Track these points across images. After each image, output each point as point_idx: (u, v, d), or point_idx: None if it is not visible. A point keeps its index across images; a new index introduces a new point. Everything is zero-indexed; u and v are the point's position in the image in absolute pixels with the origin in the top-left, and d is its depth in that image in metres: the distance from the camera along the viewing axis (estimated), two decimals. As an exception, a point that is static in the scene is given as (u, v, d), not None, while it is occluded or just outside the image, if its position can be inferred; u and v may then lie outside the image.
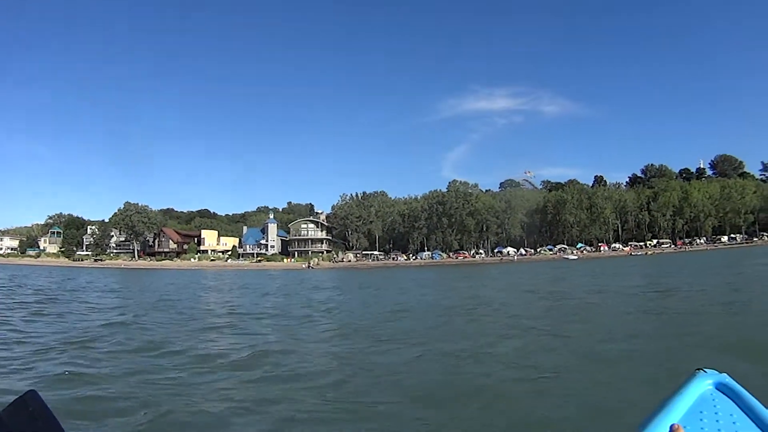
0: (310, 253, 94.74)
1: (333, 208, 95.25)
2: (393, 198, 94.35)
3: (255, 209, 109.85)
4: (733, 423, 1.39)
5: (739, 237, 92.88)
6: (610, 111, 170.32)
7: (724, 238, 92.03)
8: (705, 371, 1.60)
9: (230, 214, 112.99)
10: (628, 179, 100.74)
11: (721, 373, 1.60)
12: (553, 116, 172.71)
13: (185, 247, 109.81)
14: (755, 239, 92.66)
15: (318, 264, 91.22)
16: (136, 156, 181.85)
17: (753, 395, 1.49)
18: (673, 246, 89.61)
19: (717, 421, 1.39)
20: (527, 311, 15.56)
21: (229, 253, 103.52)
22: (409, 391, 6.39)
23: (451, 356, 8.40)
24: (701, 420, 1.40)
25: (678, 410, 1.43)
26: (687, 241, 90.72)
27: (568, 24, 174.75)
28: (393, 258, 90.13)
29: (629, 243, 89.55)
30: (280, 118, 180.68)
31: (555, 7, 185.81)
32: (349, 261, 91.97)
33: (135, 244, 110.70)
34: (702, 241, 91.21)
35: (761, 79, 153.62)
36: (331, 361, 8.55)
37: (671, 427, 1.27)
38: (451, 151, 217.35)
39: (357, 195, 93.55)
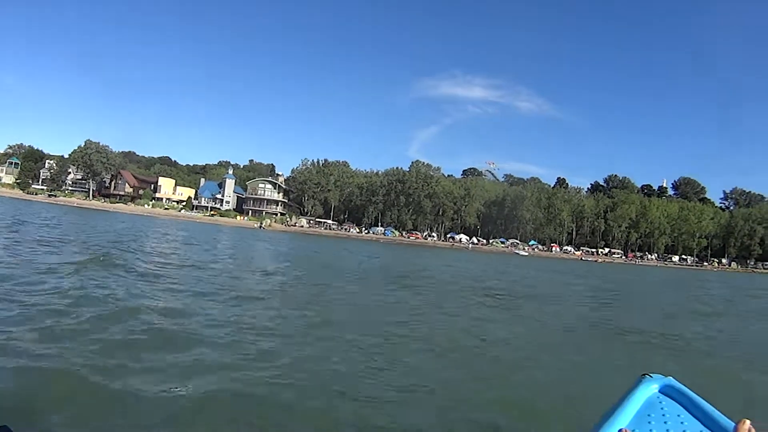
0: (264, 213, 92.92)
1: (293, 171, 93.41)
2: (354, 169, 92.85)
3: (216, 163, 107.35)
4: (681, 423, 1.39)
5: (690, 259, 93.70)
6: (585, 117, 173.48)
7: (675, 258, 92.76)
8: (651, 376, 1.58)
9: (191, 164, 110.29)
10: (589, 186, 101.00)
11: (666, 376, 1.59)
12: (526, 113, 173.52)
13: (141, 192, 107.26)
14: (705, 264, 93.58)
15: (270, 225, 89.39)
16: (104, 93, 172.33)
17: (699, 395, 1.49)
18: (624, 257, 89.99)
19: (665, 422, 1.40)
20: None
21: (184, 203, 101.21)
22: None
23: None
24: (649, 423, 1.40)
25: (625, 416, 1.42)
26: (638, 254, 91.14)
27: (558, 25, 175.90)
28: (346, 229, 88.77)
29: (581, 248, 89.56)
30: (254, 72, 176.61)
31: (548, 6, 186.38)
32: (302, 226, 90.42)
33: (91, 183, 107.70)
34: (653, 257, 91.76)
35: (734, 113, 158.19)
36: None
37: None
38: (421, 131, 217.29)
39: (318, 161, 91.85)
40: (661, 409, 1.47)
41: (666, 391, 1.54)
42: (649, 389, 1.54)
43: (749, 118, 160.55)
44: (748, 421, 1.25)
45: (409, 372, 5.85)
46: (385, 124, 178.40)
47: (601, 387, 5.49)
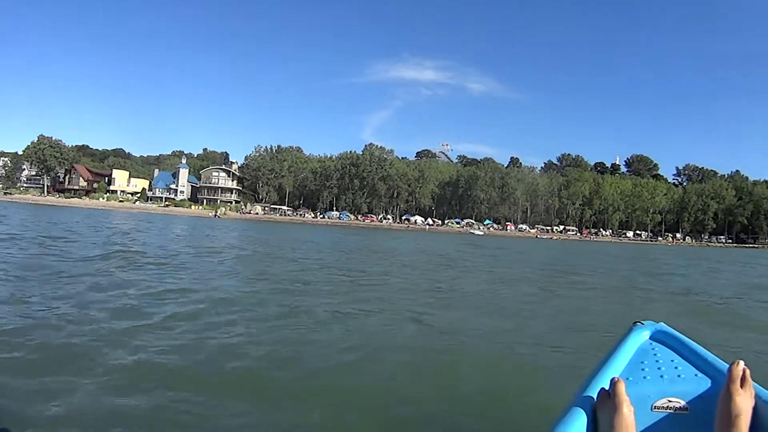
0: (219, 201, 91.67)
1: (246, 158, 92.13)
2: (308, 154, 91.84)
3: (170, 153, 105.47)
4: (675, 368, 1.41)
5: (644, 234, 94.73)
6: (536, 97, 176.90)
7: (630, 234, 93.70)
8: (642, 323, 1.61)
9: (145, 155, 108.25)
10: (543, 164, 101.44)
11: (658, 322, 1.62)
12: (478, 94, 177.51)
13: (95, 186, 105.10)
14: (659, 238, 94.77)
15: (225, 214, 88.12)
16: (56, 87, 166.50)
17: (691, 339, 1.52)
18: (578, 234, 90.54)
19: (659, 368, 1.41)
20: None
21: (138, 195, 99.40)
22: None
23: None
24: (643, 370, 1.42)
25: (619, 364, 1.45)
26: (593, 231, 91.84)
27: (505, 5, 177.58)
28: (301, 214, 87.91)
29: (536, 226, 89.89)
30: (205, 59, 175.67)
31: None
32: (257, 213, 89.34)
33: (45, 179, 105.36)
34: (608, 233, 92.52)
35: (688, 91, 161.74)
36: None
37: (611, 380, 1.28)
38: (374, 115, 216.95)
39: (271, 147, 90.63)
40: (654, 355, 1.47)
41: (658, 336, 1.56)
42: (641, 336, 1.56)
43: (699, 96, 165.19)
44: (742, 362, 1.25)
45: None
46: (338, 108, 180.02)
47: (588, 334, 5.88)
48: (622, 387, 1.25)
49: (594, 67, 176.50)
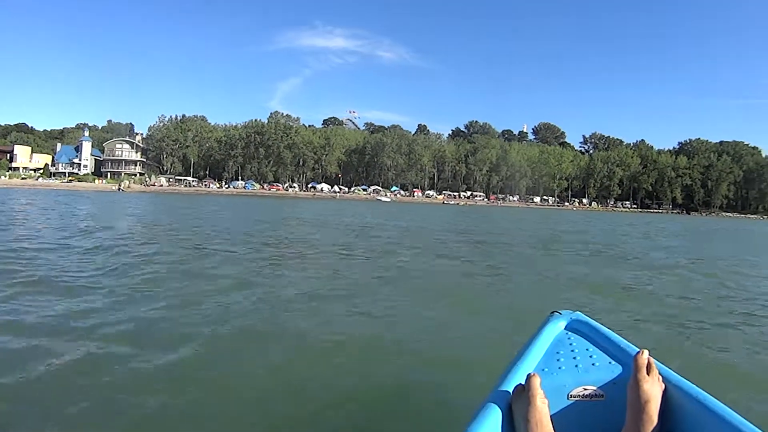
0: (123, 174, 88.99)
1: (150, 129, 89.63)
2: (213, 124, 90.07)
3: (74, 126, 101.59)
4: (590, 357, 1.44)
5: (551, 200, 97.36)
6: (445, 65, 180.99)
7: (537, 199, 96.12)
8: (560, 313, 1.63)
9: (49, 129, 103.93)
10: (451, 132, 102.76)
11: (574, 311, 1.65)
12: (388, 62, 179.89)
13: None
14: (566, 204, 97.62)
15: (129, 187, 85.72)
16: None
17: (607, 327, 1.56)
18: (486, 200, 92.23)
19: (574, 358, 1.44)
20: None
21: (42, 171, 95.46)
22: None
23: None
24: (558, 360, 1.44)
25: (535, 356, 1.46)
26: (500, 197, 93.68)
27: None
28: (206, 185, 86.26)
29: (444, 192, 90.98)
30: (106, 28, 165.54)
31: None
32: (161, 185, 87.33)
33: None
34: (515, 198, 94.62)
35: (590, 60, 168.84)
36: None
37: (528, 376, 1.29)
38: (284, 83, 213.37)
39: (175, 117, 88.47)
40: (570, 344, 1.50)
41: (574, 326, 1.59)
42: (557, 326, 1.58)
43: (604, 67, 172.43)
44: (646, 351, 1.33)
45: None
46: (248, 77, 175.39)
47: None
48: (535, 381, 1.25)
49: (501, 37, 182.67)
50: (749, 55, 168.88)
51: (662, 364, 1.36)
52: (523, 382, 1.30)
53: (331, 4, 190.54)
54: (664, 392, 1.28)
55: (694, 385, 1.28)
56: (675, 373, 1.33)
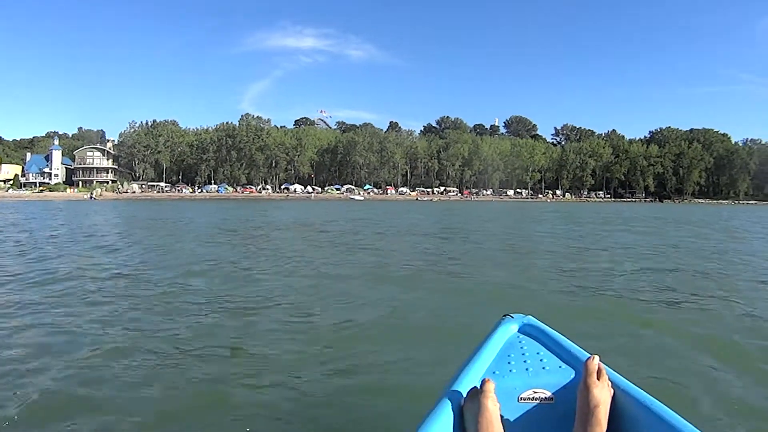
0: (94, 183, 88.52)
1: (121, 135, 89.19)
2: (184, 128, 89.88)
3: (45, 134, 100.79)
4: (541, 360, 1.45)
5: (524, 192, 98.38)
6: (415, 62, 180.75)
7: (510, 192, 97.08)
8: (512, 316, 1.64)
9: (18, 139, 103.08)
10: (422, 128, 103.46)
11: (526, 315, 1.66)
12: (358, 61, 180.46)
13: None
14: (540, 196, 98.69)
15: (101, 195, 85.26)
16: None
17: (557, 331, 1.57)
18: (459, 195, 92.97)
19: (525, 361, 1.45)
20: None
21: (11, 182, 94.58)
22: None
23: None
24: (509, 363, 1.45)
25: (486, 358, 1.47)
26: (474, 191, 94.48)
27: None
28: (179, 190, 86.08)
29: (417, 188, 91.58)
30: (76, 33, 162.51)
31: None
32: (134, 192, 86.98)
33: None
34: (488, 192, 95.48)
35: (559, 51, 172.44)
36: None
37: (483, 380, 1.29)
38: (254, 85, 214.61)
39: (146, 123, 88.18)
40: (521, 348, 1.51)
41: (525, 329, 1.60)
42: (509, 329, 1.60)
43: (574, 59, 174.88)
44: (597, 357, 1.34)
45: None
46: (218, 80, 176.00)
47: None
48: (489, 385, 1.26)
49: (470, 32, 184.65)
50: (705, 42, 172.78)
51: (612, 369, 1.37)
52: (475, 385, 1.31)
53: (299, 3, 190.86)
54: (613, 398, 1.28)
55: (643, 392, 1.28)
56: (625, 379, 1.34)
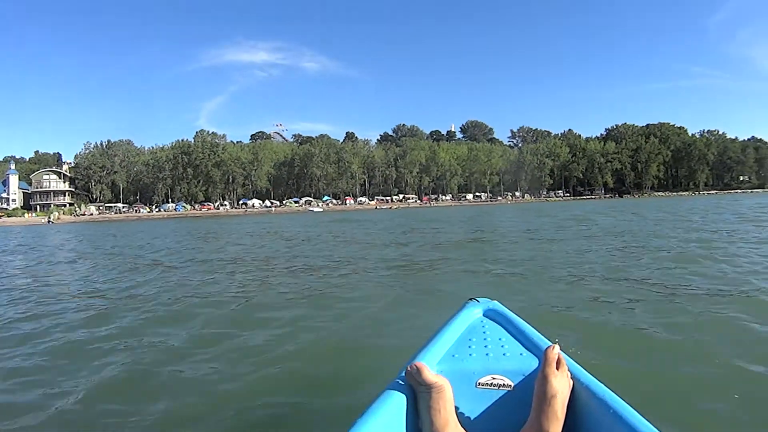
0: (52, 206, 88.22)
1: (76, 157, 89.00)
2: (139, 147, 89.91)
3: (1, 159, 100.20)
4: (502, 346, 1.44)
5: (483, 195, 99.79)
6: (368, 72, 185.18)
7: (470, 196, 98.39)
8: (477, 300, 1.64)
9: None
10: (379, 137, 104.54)
11: (492, 300, 1.65)
12: (312, 73, 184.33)
13: None
14: (499, 198, 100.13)
15: (59, 218, 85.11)
16: None
17: (520, 317, 1.56)
18: (418, 201, 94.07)
19: (486, 346, 1.44)
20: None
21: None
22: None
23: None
24: (470, 347, 1.43)
25: (447, 341, 1.45)
26: (433, 197, 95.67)
27: None
28: (136, 210, 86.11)
29: (375, 197, 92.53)
30: (30, 56, 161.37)
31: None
32: (92, 214, 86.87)
33: None
34: (447, 197, 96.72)
35: (511, 54, 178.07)
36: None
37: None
38: (209, 101, 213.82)
39: (101, 144, 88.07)
40: (484, 332, 1.50)
41: (489, 314, 1.59)
42: (472, 313, 1.59)
43: (527, 63, 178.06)
44: (557, 346, 1.32)
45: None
46: (173, 97, 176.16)
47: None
48: (444, 367, 1.26)
49: (424, 41, 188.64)
50: (656, 40, 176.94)
51: (572, 359, 1.35)
52: (432, 368, 1.29)
53: (250, 18, 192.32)
54: (573, 388, 1.27)
55: (601, 384, 1.27)
56: (584, 370, 1.33)
